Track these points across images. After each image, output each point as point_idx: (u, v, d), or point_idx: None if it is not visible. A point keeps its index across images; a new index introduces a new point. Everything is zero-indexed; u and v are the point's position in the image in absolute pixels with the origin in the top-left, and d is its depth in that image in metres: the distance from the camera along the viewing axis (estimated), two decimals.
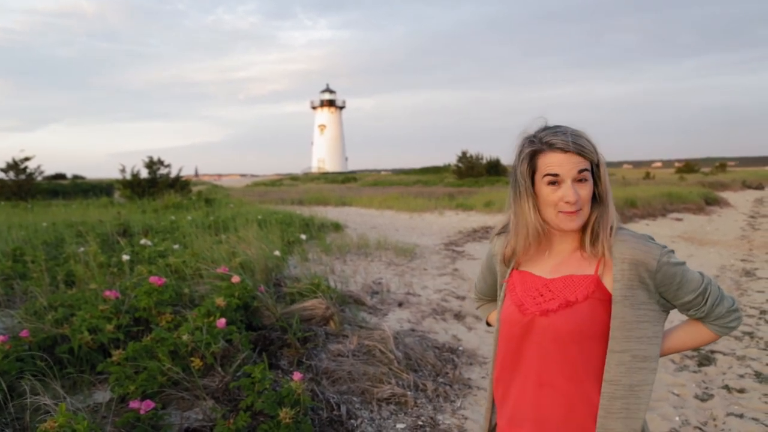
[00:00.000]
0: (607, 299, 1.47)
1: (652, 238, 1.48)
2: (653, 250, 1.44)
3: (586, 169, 1.44)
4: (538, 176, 1.47)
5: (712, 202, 21.54)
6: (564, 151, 1.43)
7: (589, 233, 1.49)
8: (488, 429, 1.72)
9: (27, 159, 23.89)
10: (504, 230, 1.66)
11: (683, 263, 1.48)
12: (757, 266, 9.50)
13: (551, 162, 1.44)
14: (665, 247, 1.46)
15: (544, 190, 1.47)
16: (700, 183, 31.81)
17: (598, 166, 1.48)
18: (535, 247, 1.56)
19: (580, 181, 1.44)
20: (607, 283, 1.48)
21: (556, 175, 1.44)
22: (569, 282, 1.51)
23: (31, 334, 3.70)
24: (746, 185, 35.89)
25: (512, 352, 1.57)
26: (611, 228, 1.48)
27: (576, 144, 1.43)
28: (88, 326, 3.77)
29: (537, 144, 1.47)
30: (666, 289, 1.47)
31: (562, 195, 1.44)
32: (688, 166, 58.80)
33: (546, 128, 1.48)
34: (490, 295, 1.88)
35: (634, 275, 1.44)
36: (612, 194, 1.51)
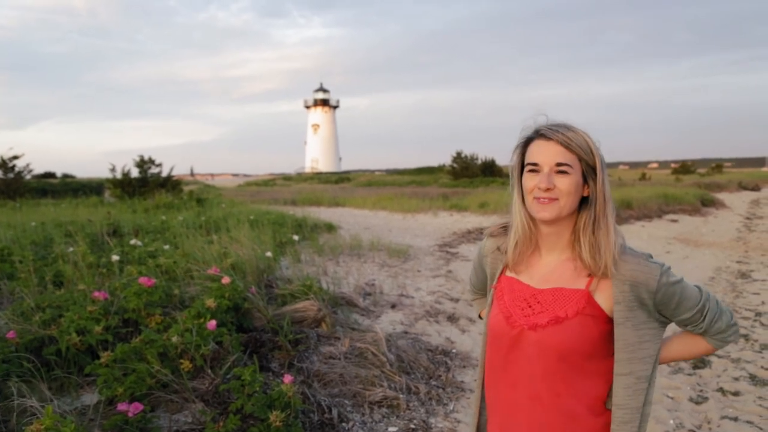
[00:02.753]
0: (598, 315, 1.45)
1: (651, 256, 1.46)
2: (653, 271, 1.41)
3: (566, 164, 1.40)
4: (525, 168, 1.47)
5: (708, 204, 21.59)
6: (547, 139, 1.42)
7: (587, 247, 1.44)
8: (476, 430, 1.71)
9: (16, 157, 23.74)
10: (499, 232, 1.65)
11: (681, 280, 1.45)
12: (752, 268, 9.50)
13: (533, 150, 1.44)
14: (664, 265, 1.43)
15: (525, 178, 1.46)
16: (696, 184, 31.88)
17: (594, 170, 1.43)
18: (523, 248, 1.53)
19: (559, 173, 1.41)
20: (600, 299, 1.45)
21: (535, 164, 1.43)
22: (558, 295, 1.48)
23: (18, 336, 3.65)
24: (742, 186, 36.00)
25: (500, 362, 1.55)
26: (615, 247, 1.42)
27: (560, 134, 1.41)
28: (76, 327, 3.72)
29: (529, 132, 1.48)
30: (665, 307, 1.45)
31: (538, 181, 1.42)
32: (684, 167, 58.89)
33: (546, 122, 1.48)
34: (482, 290, 1.86)
35: (633, 296, 1.42)
36: (613, 211, 1.46)
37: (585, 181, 1.44)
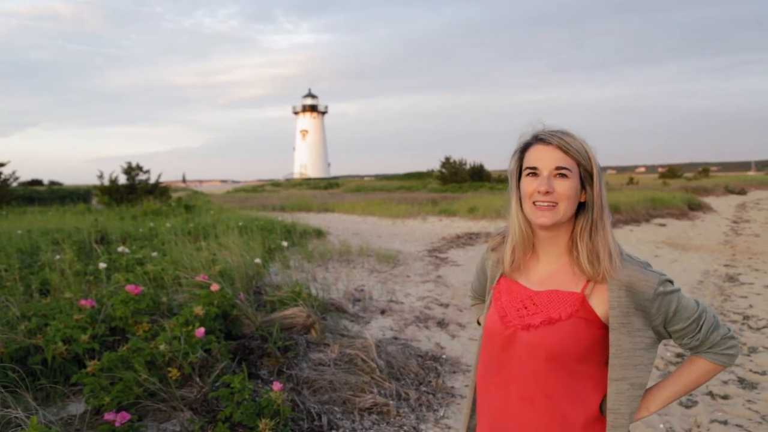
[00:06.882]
0: (591, 319, 1.45)
1: (650, 265, 1.46)
2: (651, 279, 1.42)
3: (566, 167, 1.42)
4: (523, 173, 1.49)
5: (695, 207, 21.71)
6: (546, 143, 1.44)
7: (585, 253, 1.45)
8: None
9: (1, 165, 23.54)
10: (499, 242, 1.67)
11: (678, 290, 1.46)
12: (740, 271, 9.57)
13: (533, 155, 1.46)
14: (663, 275, 1.44)
15: (524, 182, 1.47)
16: (684, 188, 32.06)
17: (591, 176, 1.45)
18: (521, 251, 1.55)
19: (558, 176, 1.42)
20: (594, 304, 1.46)
21: (535, 167, 1.45)
22: (554, 297, 1.49)
23: (3, 345, 3.60)
24: (729, 190, 36.22)
25: (494, 362, 1.56)
26: (614, 253, 1.43)
27: (559, 139, 1.43)
28: (63, 336, 3.67)
29: (528, 138, 1.50)
30: (662, 317, 1.44)
31: (537, 185, 1.43)
32: (672, 171, 58.98)
33: (543, 128, 1.50)
34: (482, 295, 1.86)
35: (630, 302, 1.42)
36: (609, 217, 1.47)
37: (582, 186, 1.46)
